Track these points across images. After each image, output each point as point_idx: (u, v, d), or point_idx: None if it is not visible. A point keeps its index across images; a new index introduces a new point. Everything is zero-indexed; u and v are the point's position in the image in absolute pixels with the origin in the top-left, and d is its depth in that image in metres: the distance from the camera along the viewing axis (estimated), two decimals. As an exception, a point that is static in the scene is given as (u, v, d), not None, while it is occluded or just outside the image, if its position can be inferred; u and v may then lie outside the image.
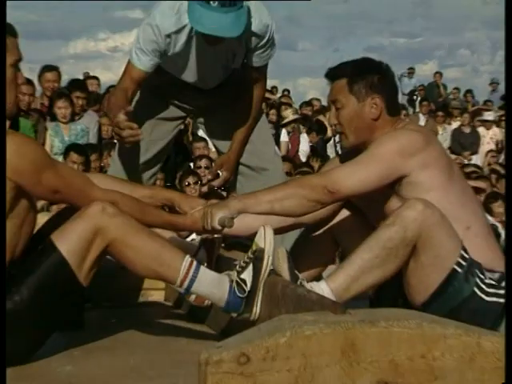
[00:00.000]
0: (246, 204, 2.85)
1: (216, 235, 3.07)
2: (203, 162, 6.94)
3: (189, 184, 6.34)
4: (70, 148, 6.31)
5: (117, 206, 2.65)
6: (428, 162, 2.84)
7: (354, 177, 2.83)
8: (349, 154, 3.08)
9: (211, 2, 3.30)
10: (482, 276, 2.80)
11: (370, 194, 2.87)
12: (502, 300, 2.82)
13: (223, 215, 2.79)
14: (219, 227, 2.81)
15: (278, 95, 13.70)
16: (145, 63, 3.56)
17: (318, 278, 3.05)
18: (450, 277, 2.77)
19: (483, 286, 2.80)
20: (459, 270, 2.77)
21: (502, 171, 9.67)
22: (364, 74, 2.97)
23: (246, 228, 2.97)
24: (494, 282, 2.83)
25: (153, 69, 3.59)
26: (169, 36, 3.51)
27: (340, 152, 8.35)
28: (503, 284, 2.84)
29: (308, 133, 10.18)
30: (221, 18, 3.31)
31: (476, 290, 2.79)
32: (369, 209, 3.05)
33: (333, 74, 3.04)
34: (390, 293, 2.89)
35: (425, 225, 2.70)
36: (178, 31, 3.51)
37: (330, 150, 9.36)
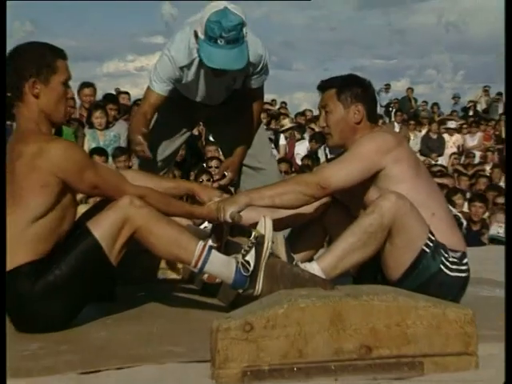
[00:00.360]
0: (252, 198, 2.84)
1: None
2: (214, 163, 6.91)
3: (202, 181, 6.33)
4: (93, 151, 6.26)
5: (145, 199, 2.64)
6: (399, 157, 2.84)
7: (341, 173, 2.83)
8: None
9: (218, 41, 3.29)
10: (446, 255, 2.80)
11: (352, 189, 2.87)
12: (463, 275, 2.84)
13: (233, 210, 2.79)
14: (230, 220, 2.81)
15: (277, 107, 13.69)
16: (162, 88, 3.56)
17: (310, 260, 3.03)
18: (420, 256, 2.76)
19: (447, 263, 2.80)
20: (427, 250, 2.76)
21: (464, 170, 9.72)
22: (350, 86, 2.97)
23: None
24: (456, 260, 2.83)
25: (168, 93, 3.59)
26: (182, 68, 3.52)
27: (329, 155, 8.35)
28: (464, 261, 2.86)
29: (310, 140, 10.17)
30: (227, 54, 3.30)
31: (442, 266, 2.79)
32: (351, 202, 3.04)
33: (324, 85, 3.04)
34: (369, 271, 2.88)
35: (398, 213, 2.70)
36: (190, 64, 3.52)
37: (321, 153, 9.32)
